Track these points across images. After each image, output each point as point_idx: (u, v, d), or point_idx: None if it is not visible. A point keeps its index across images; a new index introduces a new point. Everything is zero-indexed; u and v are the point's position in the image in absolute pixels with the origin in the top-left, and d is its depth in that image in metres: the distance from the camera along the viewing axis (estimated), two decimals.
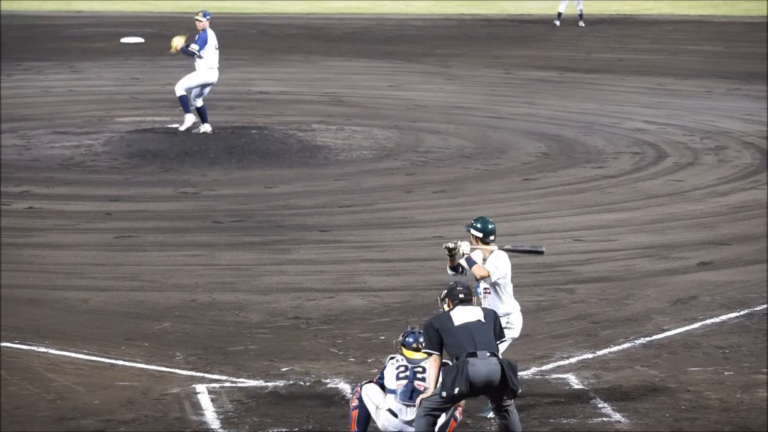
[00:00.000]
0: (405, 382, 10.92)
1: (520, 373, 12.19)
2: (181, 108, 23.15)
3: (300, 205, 19.40)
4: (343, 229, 18.04)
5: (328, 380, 12.44)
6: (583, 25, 40.46)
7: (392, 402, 10.91)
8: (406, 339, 11.10)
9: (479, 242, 11.73)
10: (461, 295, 10.93)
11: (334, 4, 45.83)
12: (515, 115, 26.43)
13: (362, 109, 27.01)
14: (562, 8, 40.52)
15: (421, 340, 10.98)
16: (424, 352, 10.85)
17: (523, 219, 18.58)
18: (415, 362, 10.96)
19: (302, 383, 12.42)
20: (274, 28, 40.67)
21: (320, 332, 13.89)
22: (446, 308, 11.00)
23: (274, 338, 13.73)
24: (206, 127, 23.09)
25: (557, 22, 40.62)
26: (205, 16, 22.75)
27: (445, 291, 11.07)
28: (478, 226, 11.67)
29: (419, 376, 10.89)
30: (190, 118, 22.81)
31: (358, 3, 46.05)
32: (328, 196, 19.95)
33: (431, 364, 10.79)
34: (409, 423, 10.88)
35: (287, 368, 12.81)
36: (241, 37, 38.13)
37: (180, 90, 22.70)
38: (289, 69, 32.51)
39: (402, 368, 10.96)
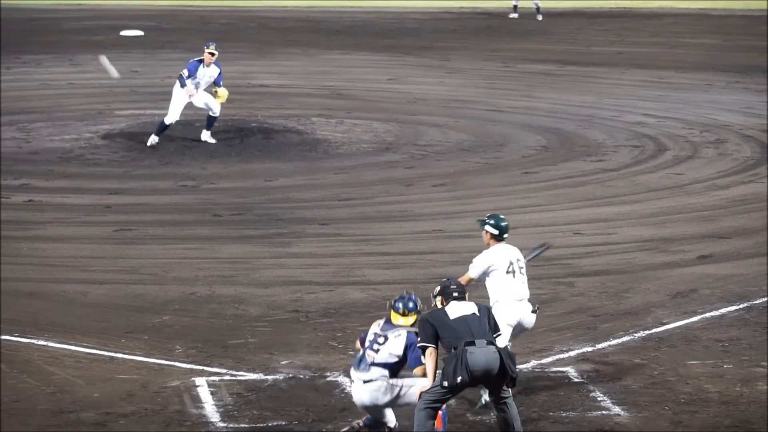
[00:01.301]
0: (362, 351, 11.01)
1: (519, 366, 12.25)
2: (206, 125, 22.94)
3: (300, 199, 19.40)
4: (343, 223, 18.04)
5: (327, 373, 12.45)
6: (541, 18, 40.46)
7: (352, 371, 11.04)
8: (396, 303, 11.11)
9: (493, 239, 11.87)
10: (455, 293, 10.99)
11: None
12: (515, 109, 26.43)
13: (362, 103, 27.00)
14: (515, 0, 40.70)
15: (410, 305, 11.02)
16: (420, 347, 10.86)
17: (523, 212, 18.57)
18: (391, 329, 10.96)
19: (302, 376, 12.42)
20: (274, 21, 40.65)
21: (320, 325, 13.89)
22: (439, 305, 11.04)
23: (273, 331, 13.73)
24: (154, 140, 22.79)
25: (515, 15, 40.73)
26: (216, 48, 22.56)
27: (439, 288, 11.12)
28: (492, 222, 11.85)
29: (375, 347, 10.92)
30: (207, 134, 22.82)
31: None
32: (328, 190, 19.95)
33: (428, 358, 10.81)
34: (360, 389, 10.88)
35: (287, 361, 12.81)
36: (241, 31, 38.10)
37: (218, 110, 22.61)
38: (288, 62, 32.50)
39: (372, 336, 11.01)
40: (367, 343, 11.03)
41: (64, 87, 28.50)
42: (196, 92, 22.38)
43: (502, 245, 11.91)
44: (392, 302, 11.13)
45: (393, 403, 10.96)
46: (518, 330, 12.06)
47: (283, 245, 16.93)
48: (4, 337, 13.34)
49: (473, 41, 36.49)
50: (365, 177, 20.83)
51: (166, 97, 23.23)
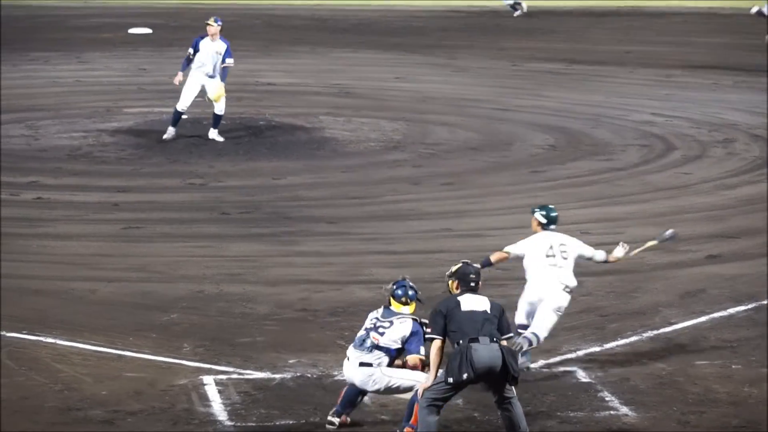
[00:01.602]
0: (364, 333, 11.01)
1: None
2: (212, 123, 22.83)
3: (307, 197, 19.39)
4: (351, 221, 18.04)
5: (335, 372, 12.43)
6: (517, 14, 40.48)
7: (350, 349, 11.02)
8: (396, 291, 11.11)
9: (540, 227, 12.83)
10: (472, 283, 10.88)
11: None
12: (522, 107, 26.39)
13: (369, 101, 26.99)
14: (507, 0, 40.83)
15: (411, 293, 11.01)
16: (428, 338, 10.80)
17: (531, 212, 18.52)
18: (394, 315, 10.97)
19: (310, 375, 12.43)
20: (279, 19, 40.62)
21: (328, 324, 13.89)
22: (453, 290, 10.92)
23: (281, 330, 13.73)
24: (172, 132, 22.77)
25: (519, 12, 40.71)
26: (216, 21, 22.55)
27: (456, 269, 10.99)
28: (543, 213, 12.94)
29: (380, 331, 10.92)
30: (214, 132, 22.78)
31: None
32: (336, 188, 19.94)
33: (433, 350, 10.74)
34: (353, 369, 10.97)
35: (295, 360, 12.81)
36: (247, 28, 38.07)
37: (222, 108, 22.54)
38: (295, 60, 32.47)
39: (374, 320, 11.06)
40: (369, 325, 11.03)
41: (72, 84, 28.48)
42: (201, 76, 22.19)
43: (546, 233, 12.71)
44: (392, 289, 11.11)
45: (379, 392, 10.99)
46: (553, 309, 12.44)
47: (291, 243, 16.93)
48: (11, 334, 13.35)
49: (480, 40, 36.44)
50: (373, 175, 20.83)
51: (174, 95, 23.22)
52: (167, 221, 17.93)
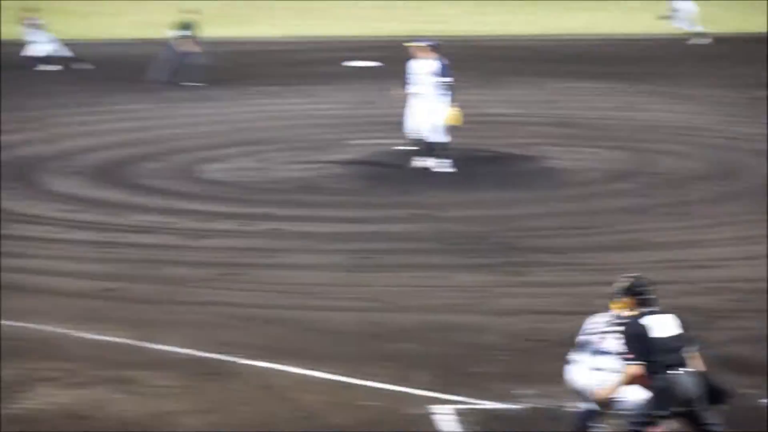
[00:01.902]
0: (585, 338, 10.86)
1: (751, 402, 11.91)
2: (434, 152, 22.76)
3: (533, 227, 19.36)
4: (578, 251, 17.92)
5: (568, 404, 12.36)
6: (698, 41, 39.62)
7: (574, 354, 10.96)
8: (618, 294, 10.82)
9: None
10: (651, 298, 10.25)
11: (556, 24, 45.66)
12: (751, 136, 25.77)
13: (590, 131, 26.80)
14: (684, 25, 39.94)
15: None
16: (630, 365, 10.40)
17: (765, 242, 18.08)
18: (616, 318, 10.76)
19: (543, 406, 12.39)
20: (497, 50, 40.75)
21: (558, 355, 13.74)
22: (628, 310, 10.39)
23: (512, 360, 13.74)
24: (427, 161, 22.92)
25: (701, 40, 39.78)
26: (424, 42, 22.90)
27: (629, 285, 10.47)
28: None
29: (604, 335, 10.75)
30: (435, 162, 22.83)
31: (581, 24, 45.78)
32: (562, 218, 19.85)
33: (629, 375, 10.39)
34: (579, 373, 10.80)
35: (526, 391, 12.80)
36: (467, 60, 38.31)
37: (437, 136, 22.61)
38: (515, 91, 32.52)
39: (597, 324, 10.87)
40: (592, 329, 10.87)
41: (301, 117, 29.11)
42: (411, 94, 22.43)
43: None
44: (621, 290, 10.80)
45: (597, 403, 10.80)
46: None
47: (518, 274, 16.92)
48: (246, 361, 13.71)
49: (703, 67, 35.81)
50: (598, 205, 20.65)
51: (399, 126, 23.49)
52: (395, 251, 18.15)
